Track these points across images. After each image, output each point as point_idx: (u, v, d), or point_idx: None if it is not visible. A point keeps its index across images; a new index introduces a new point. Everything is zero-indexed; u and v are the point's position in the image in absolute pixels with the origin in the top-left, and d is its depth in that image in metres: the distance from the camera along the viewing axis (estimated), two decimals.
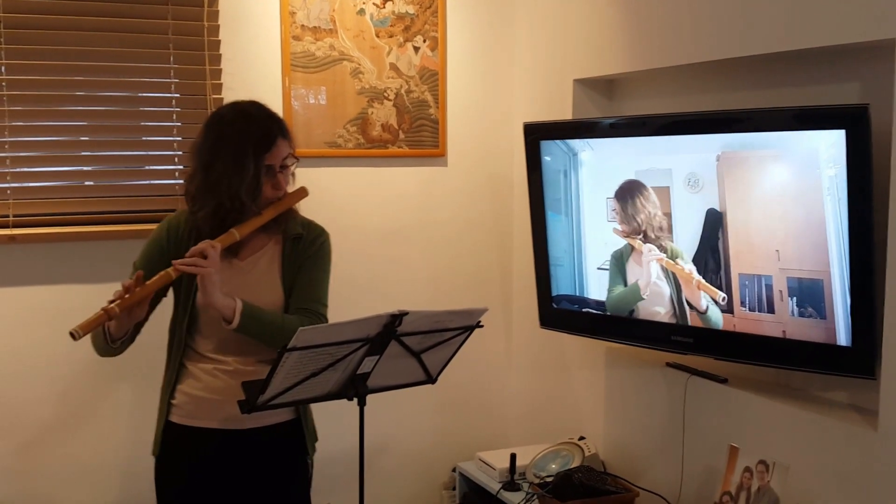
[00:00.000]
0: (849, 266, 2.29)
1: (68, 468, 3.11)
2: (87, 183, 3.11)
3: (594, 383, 3.32)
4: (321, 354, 1.98)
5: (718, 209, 2.60)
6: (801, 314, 2.45)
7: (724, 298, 2.60)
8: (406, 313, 2.03)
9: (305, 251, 2.43)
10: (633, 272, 2.84)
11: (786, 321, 2.49)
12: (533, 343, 3.61)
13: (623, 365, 3.18)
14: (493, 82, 3.63)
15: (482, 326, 2.23)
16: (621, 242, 2.87)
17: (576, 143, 2.96)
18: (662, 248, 2.73)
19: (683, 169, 2.68)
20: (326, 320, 2.39)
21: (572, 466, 3.03)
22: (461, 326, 2.19)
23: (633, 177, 2.81)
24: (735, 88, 2.81)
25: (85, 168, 3.10)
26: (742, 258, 2.58)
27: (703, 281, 2.62)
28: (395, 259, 3.55)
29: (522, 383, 3.74)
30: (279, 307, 2.38)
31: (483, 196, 3.66)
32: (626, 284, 2.86)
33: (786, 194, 2.45)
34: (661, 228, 2.74)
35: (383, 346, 2.08)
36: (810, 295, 2.42)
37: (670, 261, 2.71)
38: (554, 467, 3.12)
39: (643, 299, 2.82)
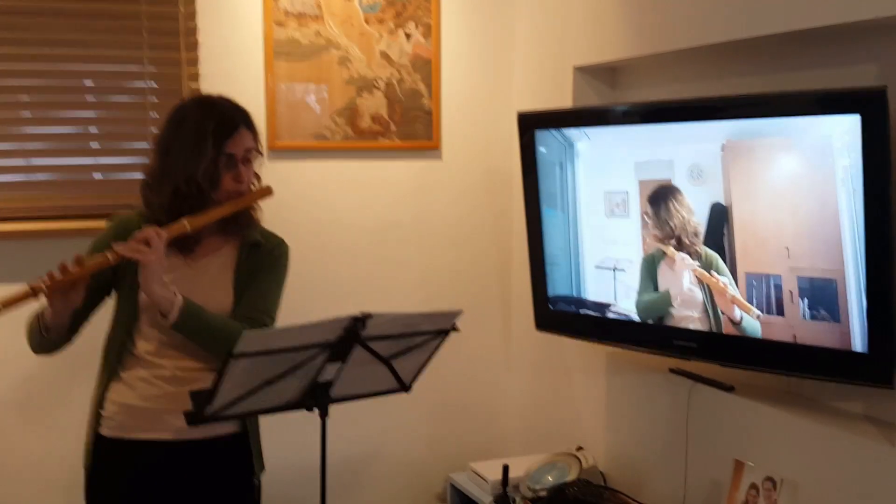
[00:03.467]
0: (865, 265, 2.10)
1: (20, 470, 2.98)
2: (53, 178, 2.95)
3: (595, 389, 3.13)
4: (274, 361, 1.80)
5: (723, 203, 2.41)
6: (813, 317, 2.25)
7: (758, 316, 2.38)
8: (370, 316, 1.85)
9: (262, 260, 2.31)
10: (664, 278, 2.63)
11: (796, 324, 2.29)
12: (532, 346, 3.41)
13: (625, 370, 2.98)
14: (490, 71, 3.44)
15: (458, 330, 2.05)
16: (638, 237, 2.65)
17: (572, 133, 2.77)
18: (697, 255, 2.52)
19: (686, 160, 2.49)
20: None
21: (569, 479, 2.84)
22: (434, 330, 2.00)
23: (632, 168, 2.62)
24: (745, 73, 2.60)
25: (52, 162, 2.93)
26: (749, 256, 2.38)
27: (739, 296, 2.42)
28: (387, 258, 3.38)
29: (521, 388, 3.55)
30: (227, 314, 2.24)
31: (480, 191, 3.47)
32: (656, 289, 2.66)
33: (796, 186, 2.25)
34: (695, 234, 2.53)
35: (346, 352, 1.90)
36: (823, 296, 2.22)
37: (704, 272, 2.50)
38: (550, 479, 2.93)
39: (673, 307, 2.62)
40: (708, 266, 2.49)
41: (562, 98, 3.16)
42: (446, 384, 3.48)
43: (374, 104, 3.27)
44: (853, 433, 2.19)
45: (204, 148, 2.13)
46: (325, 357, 1.89)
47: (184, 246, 2.20)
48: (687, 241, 2.53)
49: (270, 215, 3.12)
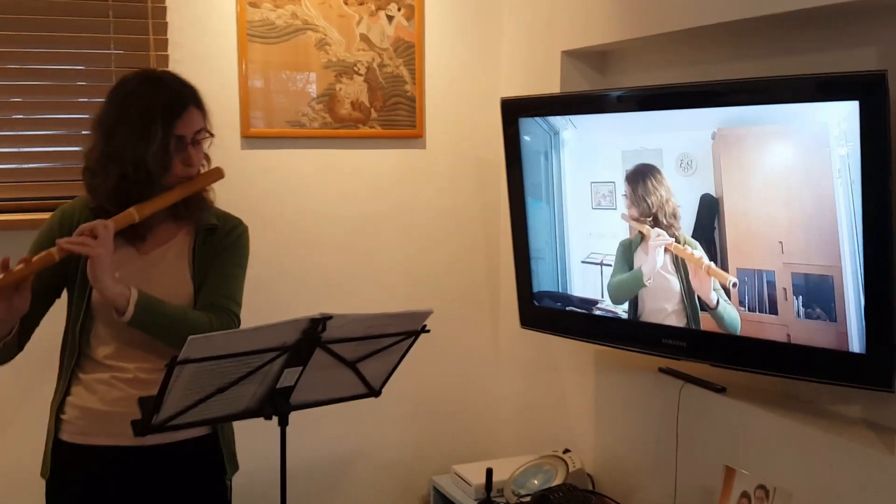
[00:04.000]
0: (863, 260, 1.98)
1: None
2: (9, 166, 2.80)
3: (584, 389, 3.00)
4: (225, 366, 1.67)
5: (714, 194, 2.28)
6: (807, 315, 2.13)
7: (734, 284, 2.26)
8: (330, 317, 1.72)
9: (219, 243, 2.15)
10: (639, 261, 2.51)
11: (791, 323, 2.17)
12: (522, 344, 3.28)
13: (614, 369, 2.86)
14: (476, 55, 3.30)
15: (428, 331, 1.91)
16: (626, 231, 2.52)
17: (557, 121, 2.63)
18: (674, 238, 2.39)
19: (675, 149, 2.35)
20: (238, 320, 2.11)
21: (554, 483, 2.72)
22: (402, 332, 1.87)
23: (619, 158, 2.48)
24: (740, 58, 2.47)
25: (6, 150, 2.80)
26: (741, 251, 2.25)
27: (714, 266, 2.29)
28: (368, 252, 3.24)
29: (510, 388, 3.42)
30: (187, 303, 2.10)
31: (466, 181, 3.33)
32: (630, 268, 2.53)
33: (790, 177, 2.12)
34: (674, 216, 2.40)
35: (306, 356, 1.77)
36: (818, 293, 2.10)
37: (679, 245, 2.37)
38: (536, 483, 2.81)
39: (645, 286, 2.48)
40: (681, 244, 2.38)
41: (550, 84, 3.02)
42: (433, 383, 3.36)
43: (353, 90, 3.13)
44: (851, 439, 2.07)
45: (153, 130, 1.98)
46: (283, 362, 1.76)
47: (133, 236, 2.06)
48: (665, 222, 2.40)
49: (243, 206, 2.99)
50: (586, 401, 2.99)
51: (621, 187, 2.50)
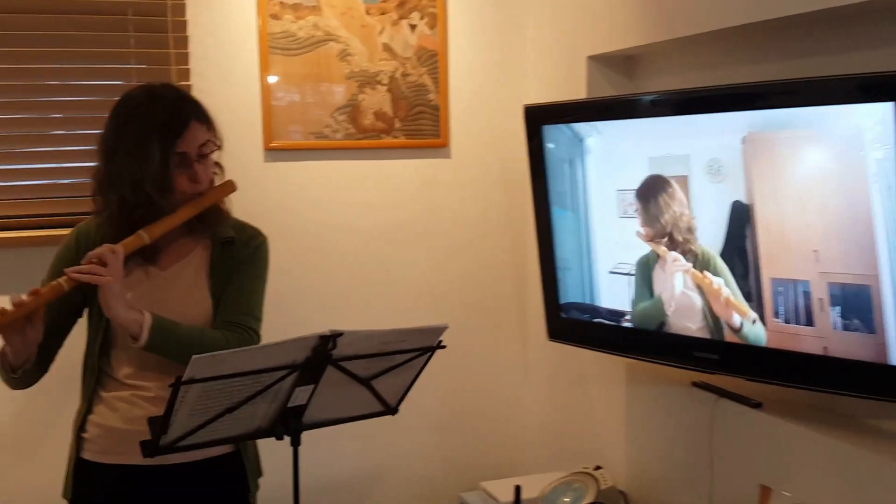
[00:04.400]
0: None
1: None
2: (29, 183, 2.79)
3: (615, 403, 2.91)
4: (233, 385, 1.62)
5: (745, 201, 2.18)
6: (845, 327, 2.03)
7: (754, 320, 2.17)
8: (340, 333, 1.66)
9: (237, 256, 2.10)
10: (658, 281, 2.43)
11: (827, 335, 2.07)
12: (550, 357, 3.20)
13: (646, 382, 2.77)
14: (500, 62, 3.23)
15: (444, 347, 1.85)
16: (644, 246, 2.45)
17: (581, 128, 2.56)
18: (692, 253, 2.31)
19: (704, 154, 2.27)
20: (258, 336, 2.06)
21: (585, 502, 2.63)
22: (417, 348, 1.80)
23: (646, 165, 2.40)
24: (772, 59, 2.37)
25: (28, 166, 2.78)
26: (774, 260, 2.15)
27: (733, 298, 2.20)
28: (393, 262, 3.18)
29: (539, 401, 3.34)
30: (207, 322, 2.05)
31: (492, 190, 3.26)
32: (652, 295, 2.45)
33: (824, 182, 2.03)
34: (689, 230, 2.32)
35: (318, 374, 1.72)
36: (856, 304, 2.00)
37: (697, 273, 2.29)
38: (568, 500, 2.73)
39: (668, 315, 2.41)
40: (704, 266, 2.28)
41: (576, 90, 2.94)
42: (459, 397, 3.30)
43: (376, 100, 3.08)
44: (894, 457, 1.96)
45: (150, 151, 1.92)
46: (293, 380, 1.70)
47: (147, 255, 2.02)
48: (679, 239, 2.32)
49: (266, 219, 2.95)
50: (617, 415, 2.90)
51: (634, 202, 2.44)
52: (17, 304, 1.82)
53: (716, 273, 2.26)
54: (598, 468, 2.78)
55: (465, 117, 3.20)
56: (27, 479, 2.80)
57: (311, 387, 1.74)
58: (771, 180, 2.13)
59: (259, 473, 2.22)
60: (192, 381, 1.55)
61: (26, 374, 1.97)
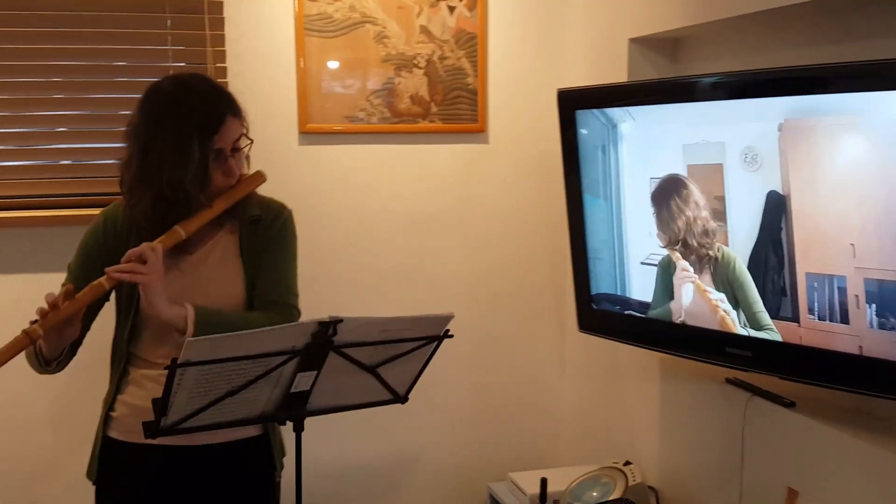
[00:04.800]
0: None
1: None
2: (65, 162, 2.82)
3: (648, 397, 2.83)
4: (232, 369, 1.60)
5: (781, 192, 2.09)
6: (881, 326, 1.93)
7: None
8: (340, 320, 1.63)
9: (266, 234, 2.08)
10: (677, 286, 2.37)
11: (863, 334, 1.97)
12: (586, 348, 3.13)
13: (679, 377, 2.68)
14: (540, 46, 3.15)
15: (451, 336, 1.80)
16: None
17: (615, 113, 2.48)
18: (708, 258, 2.23)
19: (739, 142, 2.17)
20: (298, 312, 2.04)
21: (612, 497, 2.57)
22: (423, 336, 1.76)
23: (680, 152, 2.31)
24: (826, 41, 2.24)
25: (65, 145, 2.81)
26: (810, 254, 2.06)
27: (728, 318, 2.13)
28: (428, 249, 3.14)
29: (575, 394, 3.27)
30: (239, 304, 2.04)
31: (530, 177, 3.19)
32: (671, 299, 2.38)
33: (862, 173, 1.92)
34: (704, 234, 2.24)
35: (320, 360, 1.69)
36: (893, 302, 1.89)
37: (700, 285, 2.23)
38: (595, 495, 2.66)
39: (676, 324, 2.34)
40: (724, 269, 2.19)
41: (617, 75, 2.86)
42: (494, 387, 3.25)
43: (413, 84, 3.04)
44: None
45: (190, 150, 1.90)
46: (295, 366, 1.68)
47: (177, 246, 1.99)
48: (694, 244, 2.23)
49: (300, 202, 2.92)
50: (651, 410, 2.82)
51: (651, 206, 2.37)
52: (55, 306, 1.82)
53: (733, 277, 2.17)
54: (627, 463, 2.71)
55: (503, 102, 3.14)
56: (62, 458, 2.85)
57: (314, 373, 1.71)
58: (808, 170, 2.03)
59: (283, 453, 2.21)
60: (188, 363, 1.53)
61: (60, 365, 1.99)
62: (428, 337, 1.77)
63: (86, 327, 2.06)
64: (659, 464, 2.77)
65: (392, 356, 1.77)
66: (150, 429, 1.66)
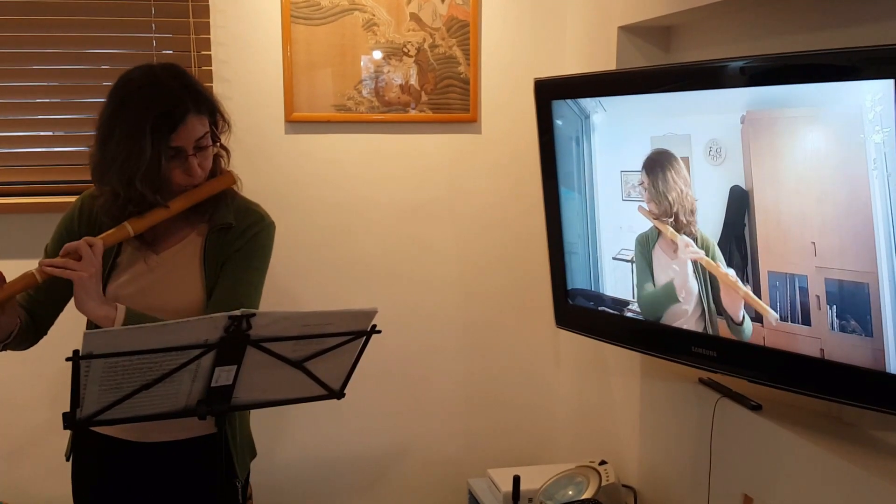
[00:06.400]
0: None
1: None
2: (52, 150, 2.84)
3: (630, 396, 2.76)
4: (143, 362, 1.58)
5: (744, 186, 2.00)
6: (842, 328, 1.84)
7: (776, 319, 1.98)
8: (252, 314, 1.60)
9: (232, 244, 2.02)
10: (659, 263, 2.28)
11: (824, 336, 1.88)
12: (577, 343, 3.06)
13: (658, 376, 2.61)
14: (533, 34, 3.08)
15: (380, 332, 1.76)
16: (645, 224, 2.29)
17: (587, 104, 2.40)
18: (693, 237, 2.15)
19: (704, 134, 2.09)
20: None
21: (583, 497, 2.51)
22: (349, 332, 1.72)
23: (648, 145, 2.23)
24: (818, 28, 2.13)
25: (47, 133, 2.83)
26: (772, 251, 1.97)
27: (752, 295, 2.02)
28: (419, 240, 3.10)
29: (566, 389, 3.21)
30: (198, 311, 1.99)
31: (523, 167, 3.12)
32: (653, 276, 2.29)
33: (822, 167, 1.84)
34: (692, 212, 2.16)
35: (238, 354, 1.67)
36: (853, 303, 1.81)
37: (711, 262, 2.12)
38: (571, 494, 2.61)
39: (679, 302, 2.25)
40: (705, 251, 2.11)
41: (606, 64, 2.78)
42: (487, 381, 3.20)
43: (403, 72, 3.00)
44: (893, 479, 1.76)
45: (141, 145, 1.84)
46: (212, 359, 1.65)
47: (146, 240, 1.98)
48: (684, 220, 2.14)
49: (286, 192, 2.94)
50: (632, 409, 2.75)
51: (639, 176, 2.27)
52: None
53: (715, 260, 2.09)
54: (602, 463, 2.64)
55: (496, 91, 3.08)
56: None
57: (234, 367, 1.69)
58: (769, 164, 1.94)
59: (251, 454, 2.19)
60: (90, 356, 1.52)
61: (13, 344, 1.97)
62: (354, 332, 1.73)
63: (53, 310, 2.06)
64: (639, 463, 2.70)
65: (317, 351, 1.73)
66: (68, 420, 1.65)
